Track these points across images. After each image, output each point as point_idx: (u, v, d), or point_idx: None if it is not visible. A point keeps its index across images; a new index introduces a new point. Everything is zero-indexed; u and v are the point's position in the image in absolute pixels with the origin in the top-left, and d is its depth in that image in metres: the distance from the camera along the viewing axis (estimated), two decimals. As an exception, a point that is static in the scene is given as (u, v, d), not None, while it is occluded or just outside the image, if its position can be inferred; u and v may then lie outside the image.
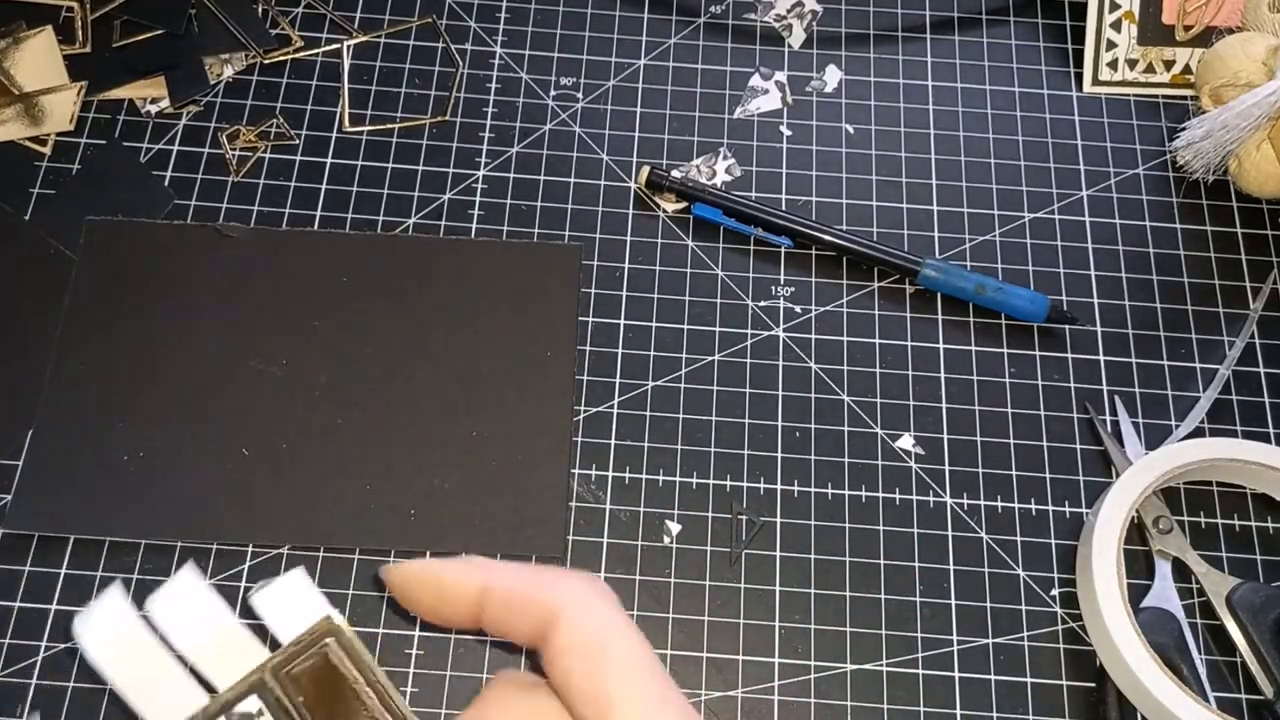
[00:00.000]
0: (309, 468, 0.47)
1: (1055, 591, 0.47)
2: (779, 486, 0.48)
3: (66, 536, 0.46)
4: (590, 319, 0.51)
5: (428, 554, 0.46)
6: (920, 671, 0.45)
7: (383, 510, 0.47)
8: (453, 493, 0.47)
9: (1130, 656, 0.43)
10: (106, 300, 0.50)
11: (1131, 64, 0.58)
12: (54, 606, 0.45)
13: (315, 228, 0.53)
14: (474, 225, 0.53)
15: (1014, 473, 0.49)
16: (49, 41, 0.55)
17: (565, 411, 0.49)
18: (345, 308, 0.51)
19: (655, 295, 0.52)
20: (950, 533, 0.48)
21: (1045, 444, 0.49)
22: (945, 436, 0.49)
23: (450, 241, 0.52)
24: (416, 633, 0.45)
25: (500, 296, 0.51)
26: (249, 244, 0.52)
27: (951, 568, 0.47)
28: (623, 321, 0.51)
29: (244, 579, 0.46)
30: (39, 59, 0.55)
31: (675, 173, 0.55)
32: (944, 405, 0.50)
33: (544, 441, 0.48)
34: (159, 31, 0.56)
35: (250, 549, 0.47)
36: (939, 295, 0.52)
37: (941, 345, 0.51)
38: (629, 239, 0.53)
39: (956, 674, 0.45)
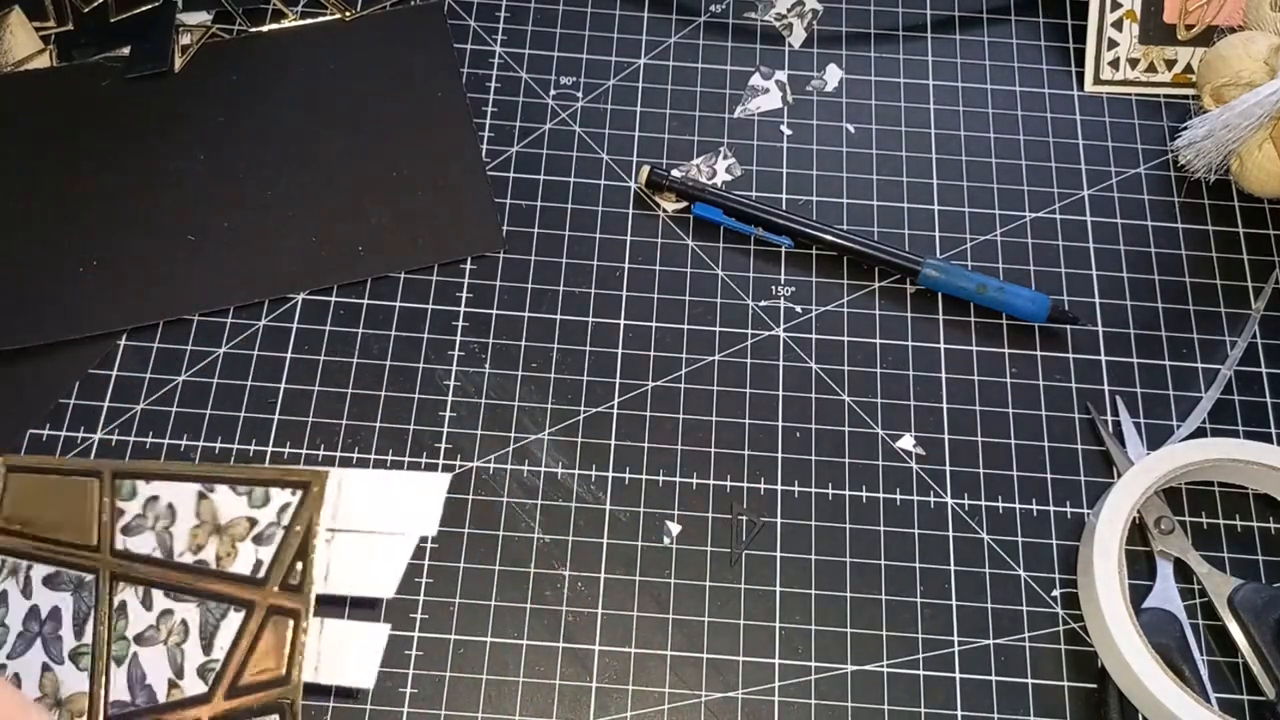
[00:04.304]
0: (254, 236, 0.52)
1: (1056, 592, 0.47)
2: (779, 487, 0.48)
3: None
4: (590, 319, 0.51)
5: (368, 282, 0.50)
6: (921, 672, 0.45)
7: (333, 253, 0.52)
8: (391, 224, 0.53)
9: (1132, 657, 0.42)
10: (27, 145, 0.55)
11: (1133, 63, 0.57)
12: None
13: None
14: (474, 225, 0.53)
15: (1015, 473, 0.49)
16: (19, 20, 0.56)
17: (469, 134, 0.55)
18: (241, 104, 0.55)
19: (655, 295, 0.52)
20: (951, 533, 0.48)
21: (1046, 444, 0.49)
22: (946, 437, 0.49)
23: (321, 26, 0.58)
24: (416, 634, 0.45)
25: (380, 60, 0.57)
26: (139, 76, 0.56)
27: (952, 568, 0.47)
28: (623, 321, 0.51)
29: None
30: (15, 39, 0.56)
31: (675, 172, 0.54)
32: (945, 405, 0.50)
33: (458, 164, 0.54)
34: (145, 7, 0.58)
35: (230, 313, 0.51)
36: (940, 295, 0.52)
37: (942, 345, 0.51)
38: (629, 239, 0.53)
39: (957, 675, 0.45)
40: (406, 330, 0.51)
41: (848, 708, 0.44)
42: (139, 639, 0.40)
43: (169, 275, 0.52)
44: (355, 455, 0.48)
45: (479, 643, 0.45)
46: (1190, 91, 0.57)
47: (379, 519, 0.40)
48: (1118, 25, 0.57)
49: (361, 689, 0.42)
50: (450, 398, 0.50)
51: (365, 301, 0.52)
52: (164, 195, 0.53)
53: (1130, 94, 0.57)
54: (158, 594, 0.40)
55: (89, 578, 0.41)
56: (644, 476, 0.48)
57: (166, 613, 0.40)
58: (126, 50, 0.56)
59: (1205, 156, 0.52)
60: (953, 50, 0.58)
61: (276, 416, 0.49)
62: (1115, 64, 0.57)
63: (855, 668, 0.45)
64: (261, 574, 0.40)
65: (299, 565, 0.39)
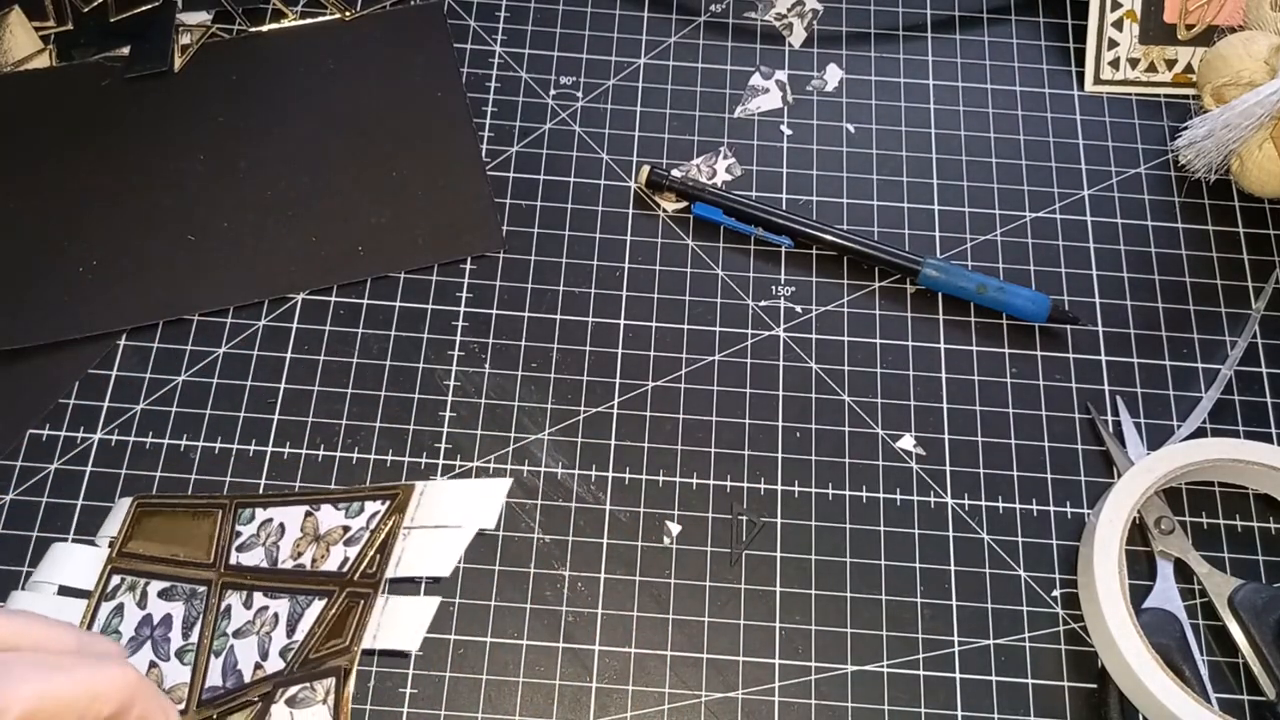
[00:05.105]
0: (254, 236, 0.52)
1: (1057, 592, 0.47)
2: (779, 487, 0.48)
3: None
4: (590, 319, 0.51)
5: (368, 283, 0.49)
6: (921, 673, 0.45)
7: (333, 253, 0.52)
8: (390, 224, 0.53)
9: (1132, 657, 0.42)
10: (27, 142, 0.54)
11: (1133, 63, 0.57)
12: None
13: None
14: (474, 225, 0.53)
15: (1015, 473, 0.49)
16: (19, 20, 0.56)
17: (468, 134, 0.55)
18: (241, 104, 0.55)
19: (655, 295, 0.52)
20: (951, 533, 0.47)
21: (1046, 444, 0.49)
22: (946, 437, 0.49)
23: (321, 25, 0.58)
24: (416, 634, 0.45)
25: (380, 60, 0.57)
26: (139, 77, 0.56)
27: (952, 568, 0.47)
28: (623, 321, 0.51)
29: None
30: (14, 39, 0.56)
31: (675, 172, 0.54)
32: (945, 405, 0.50)
33: (458, 164, 0.54)
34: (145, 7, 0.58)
35: (230, 313, 0.51)
36: (940, 295, 0.52)
37: (942, 345, 0.51)
38: (629, 239, 0.53)
39: (957, 675, 0.45)
40: (406, 330, 0.51)
41: (848, 708, 0.44)
42: (236, 633, 0.44)
43: (169, 275, 0.51)
44: (355, 455, 0.48)
45: (479, 643, 0.45)
46: (1190, 91, 0.57)
47: (447, 516, 0.45)
48: (1118, 25, 0.57)
49: (409, 652, 0.44)
50: (450, 398, 0.50)
51: (365, 301, 0.52)
52: (164, 195, 0.53)
53: (1130, 94, 0.57)
54: (258, 595, 0.44)
55: (201, 589, 0.45)
56: (644, 476, 0.48)
57: (262, 609, 0.44)
58: (126, 50, 0.56)
59: (1205, 156, 0.52)
60: (953, 50, 0.58)
61: (276, 416, 0.49)
62: (1115, 64, 0.57)
63: (855, 668, 0.45)
64: (346, 569, 0.44)
65: (378, 558, 0.44)
